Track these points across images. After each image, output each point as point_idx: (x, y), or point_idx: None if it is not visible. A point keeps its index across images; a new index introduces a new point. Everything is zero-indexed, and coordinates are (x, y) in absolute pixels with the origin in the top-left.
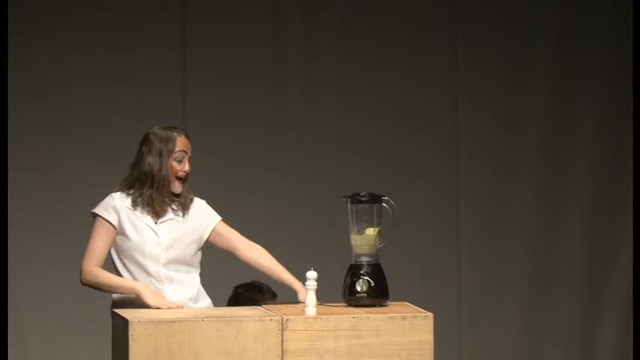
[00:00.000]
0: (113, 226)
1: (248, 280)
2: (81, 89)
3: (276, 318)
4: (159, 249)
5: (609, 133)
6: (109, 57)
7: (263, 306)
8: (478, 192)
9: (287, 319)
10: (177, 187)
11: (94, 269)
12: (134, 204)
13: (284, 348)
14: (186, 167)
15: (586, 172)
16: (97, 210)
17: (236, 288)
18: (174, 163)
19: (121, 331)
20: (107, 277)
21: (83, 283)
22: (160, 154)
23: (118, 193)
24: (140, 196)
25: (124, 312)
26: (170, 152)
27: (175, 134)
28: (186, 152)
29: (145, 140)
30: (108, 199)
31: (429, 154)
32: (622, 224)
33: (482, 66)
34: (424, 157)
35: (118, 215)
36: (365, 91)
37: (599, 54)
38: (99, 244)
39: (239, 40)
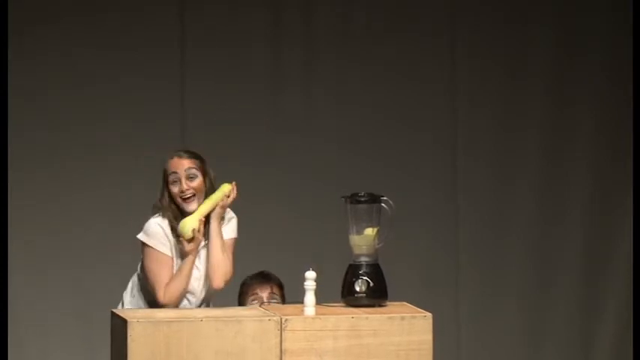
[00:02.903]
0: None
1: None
2: (80, 89)
3: (274, 318)
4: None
5: (609, 133)
6: (108, 56)
7: (262, 306)
8: (477, 192)
9: (286, 319)
10: (189, 206)
11: (166, 295)
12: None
13: (283, 348)
14: (184, 187)
15: (586, 172)
16: (154, 243)
17: (244, 282)
18: (171, 187)
19: (119, 331)
20: (180, 283)
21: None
22: (162, 183)
23: None
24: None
25: (122, 312)
26: (165, 179)
27: (168, 158)
28: (176, 172)
29: None
30: (155, 226)
31: (428, 154)
32: (622, 224)
33: (482, 66)
34: (423, 157)
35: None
36: (365, 91)
37: (599, 54)
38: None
39: (238, 40)
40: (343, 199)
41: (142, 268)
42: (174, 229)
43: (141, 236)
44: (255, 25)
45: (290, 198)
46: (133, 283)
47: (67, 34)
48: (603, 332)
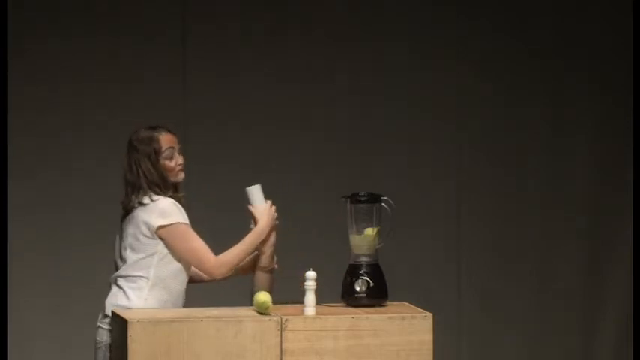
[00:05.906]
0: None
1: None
2: (81, 88)
3: (275, 318)
4: None
5: (609, 133)
6: (108, 56)
7: None
8: (479, 191)
9: (286, 319)
10: (180, 177)
11: (220, 259)
12: None
13: (283, 348)
14: (180, 161)
15: (586, 172)
16: (178, 219)
17: None
18: (166, 162)
19: (119, 331)
20: (238, 254)
21: (222, 278)
22: (149, 157)
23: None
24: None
25: (123, 312)
26: (158, 153)
27: (156, 134)
28: (173, 148)
29: (130, 148)
30: (171, 205)
31: (429, 154)
32: (622, 224)
33: (482, 66)
34: (424, 156)
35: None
36: (365, 90)
37: (600, 56)
38: (201, 241)
39: (239, 38)
40: (343, 198)
41: (174, 250)
42: (178, 201)
43: (162, 221)
44: (255, 25)
45: (290, 198)
46: (130, 285)
47: (66, 34)
48: (603, 332)
